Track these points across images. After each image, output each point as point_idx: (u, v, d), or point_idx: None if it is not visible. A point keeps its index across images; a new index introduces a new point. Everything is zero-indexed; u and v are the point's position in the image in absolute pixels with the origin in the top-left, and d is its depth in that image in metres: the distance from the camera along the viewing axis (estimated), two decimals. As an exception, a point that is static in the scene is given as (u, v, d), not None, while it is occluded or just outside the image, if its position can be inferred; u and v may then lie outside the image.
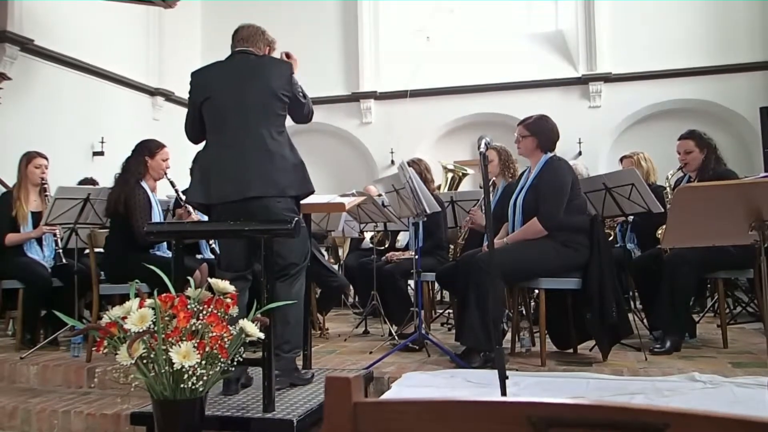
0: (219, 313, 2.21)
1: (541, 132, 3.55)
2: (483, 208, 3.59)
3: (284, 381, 2.91)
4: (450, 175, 6.30)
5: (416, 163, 4.83)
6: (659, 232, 4.11)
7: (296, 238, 2.83)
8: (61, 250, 4.39)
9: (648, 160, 4.95)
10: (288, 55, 3.16)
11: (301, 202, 3.12)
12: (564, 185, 3.45)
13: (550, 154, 3.56)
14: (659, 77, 8.81)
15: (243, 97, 2.91)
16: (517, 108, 7.86)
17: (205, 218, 4.32)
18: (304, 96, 3.06)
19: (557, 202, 3.41)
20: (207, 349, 2.11)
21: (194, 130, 3.08)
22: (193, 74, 3.10)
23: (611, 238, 4.88)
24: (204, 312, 2.18)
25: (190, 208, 4.07)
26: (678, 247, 3.51)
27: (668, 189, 4.29)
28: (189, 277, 2.40)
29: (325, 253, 6.10)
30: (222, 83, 2.98)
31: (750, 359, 3.45)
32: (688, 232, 2.26)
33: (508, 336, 3.80)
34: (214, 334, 2.14)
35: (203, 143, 3.08)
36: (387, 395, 2.89)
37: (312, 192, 3.02)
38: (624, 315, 3.48)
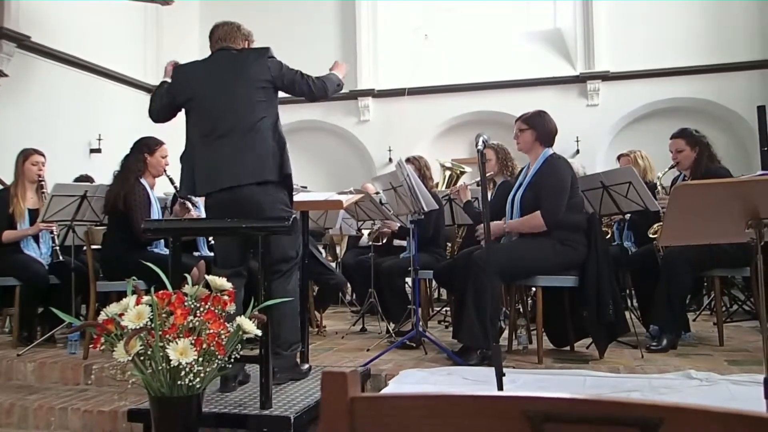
0: (216, 311, 2.21)
1: (539, 125, 3.56)
2: (481, 205, 3.59)
3: (284, 378, 2.92)
4: (448, 173, 6.30)
5: (417, 160, 4.83)
6: (651, 231, 4.12)
7: (296, 234, 2.84)
8: (58, 248, 4.39)
9: (645, 158, 4.95)
10: (336, 64, 3.31)
11: (298, 200, 3.12)
12: (564, 183, 3.45)
13: (549, 151, 3.56)
14: (657, 76, 8.82)
15: (225, 93, 2.95)
16: (515, 106, 7.82)
17: (204, 215, 4.33)
18: (302, 73, 3.05)
19: (558, 199, 3.41)
20: (204, 346, 2.11)
21: (161, 112, 3.13)
22: (176, 69, 3.14)
23: (608, 236, 4.88)
24: (201, 309, 2.18)
25: (189, 205, 4.07)
26: (674, 245, 3.51)
27: (659, 188, 4.29)
28: (186, 275, 2.40)
29: (322, 251, 6.10)
30: (205, 83, 3.01)
31: (746, 357, 3.45)
32: (685, 230, 2.26)
33: (506, 334, 3.81)
34: (211, 331, 2.14)
35: (184, 142, 3.08)
36: (384, 392, 2.89)
37: (287, 176, 2.97)
38: (621, 313, 3.49)
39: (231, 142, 2.90)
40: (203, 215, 4.28)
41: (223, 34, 3.13)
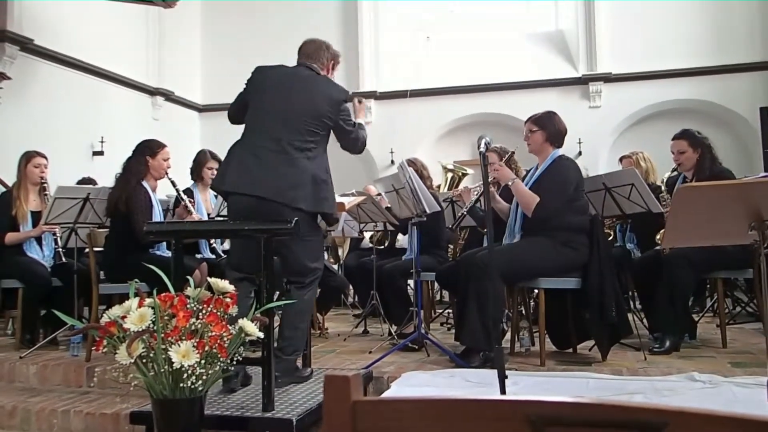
0: (218, 313, 2.21)
1: (549, 125, 3.56)
2: (483, 204, 3.59)
3: (285, 381, 2.92)
4: (450, 175, 6.31)
5: (413, 163, 4.82)
6: (658, 236, 4.10)
7: (316, 247, 2.85)
8: (61, 250, 4.39)
9: (647, 160, 4.94)
10: (360, 103, 3.43)
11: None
12: (566, 184, 3.45)
13: (559, 152, 3.56)
14: (659, 77, 8.81)
15: (285, 108, 2.97)
16: (518, 108, 7.86)
17: (205, 216, 4.34)
18: (354, 125, 3.12)
19: (554, 197, 3.41)
20: (206, 348, 2.11)
21: (235, 113, 3.19)
22: (257, 68, 3.16)
23: (611, 237, 4.87)
24: (203, 311, 2.18)
25: (190, 207, 4.07)
26: (677, 246, 3.50)
27: (664, 190, 4.27)
28: (188, 277, 2.40)
29: (324, 253, 6.10)
30: (273, 88, 3.05)
31: (749, 359, 3.45)
32: (688, 231, 2.26)
33: (508, 336, 3.80)
34: (214, 333, 2.14)
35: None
36: (386, 395, 2.89)
37: (325, 212, 3.00)
38: (623, 315, 3.48)
39: (273, 156, 2.91)
40: (204, 217, 4.30)
41: (310, 51, 3.18)
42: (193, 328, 2.14)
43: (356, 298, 6.03)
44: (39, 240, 4.40)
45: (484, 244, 3.97)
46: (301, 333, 3.03)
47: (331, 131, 3.09)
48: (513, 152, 4.07)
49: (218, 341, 2.14)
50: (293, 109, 2.96)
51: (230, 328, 2.20)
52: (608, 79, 9.05)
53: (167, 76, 9.11)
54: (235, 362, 2.26)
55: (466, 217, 4.48)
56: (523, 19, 9.89)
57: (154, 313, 2.11)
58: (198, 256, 4.28)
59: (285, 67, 3.16)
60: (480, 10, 9.84)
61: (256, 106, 3.05)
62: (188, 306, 2.18)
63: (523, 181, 3.69)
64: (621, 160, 5.29)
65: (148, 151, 4.02)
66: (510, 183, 3.54)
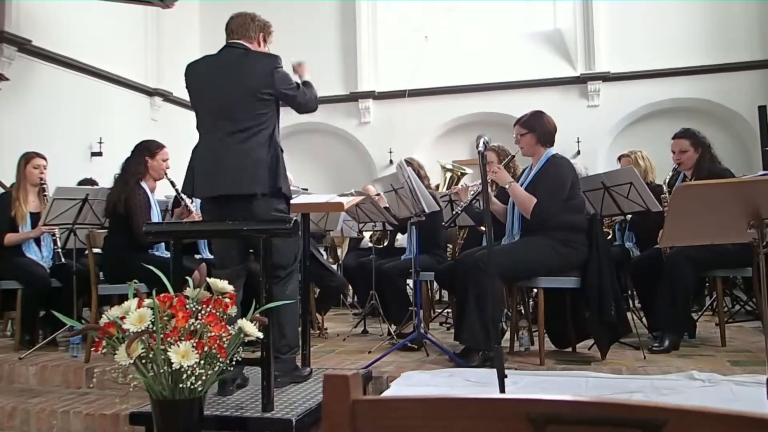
0: (217, 313, 2.21)
1: (538, 126, 3.56)
2: (482, 203, 3.59)
3: (285, 381, 2.92)
4: (449, 174, 6.30)
5: (410, 163, 4.82)
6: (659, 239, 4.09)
7: (284, 242, 2.84)
8: (60, 250, 4.39)
9: (646, 159, 4.94)
10: (299, 65, 3.23)
11: (299, 202, 3.11)
12: (563, 182, 3.45)
13: (552, 151, 3.56)
14: (658, 76, 8.82)
15: (222, 96, 2.92)
16: (516, 107, 7.82)
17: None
18: (299, 86, 3.02)
19: (552, 197, 3.41)
20: (206, 348, 2.11)
21: None
22: (187, 66, 3.12)
23: (610, 236, 4.87)
24: (202, 312, 2.18)
25: (191, 207, 4.07)
26: (677, 245, 3.51)
27: (665, 191, 4.26)
28: (188, 277, 2.40)
29: (323, 253, 6.10)
30: (205, 81, 3.00)
31: (748, 357, 3.45)
32: (687, 230, 2.26)
33: (507, 335, 3.81)
34: (213, 333, 2.14)
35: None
36: (386, 394, 2.89)
37: (280, 189, 2.90)
38: (623, 314, 3.48)
39: (226, 148, 2.89)
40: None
41: (236, 26, 3.06)
42: (192, 328, 2.14)
43: (355, 298, 6.03)
44: (38, 241, 4.40)
45: (483, 244, 3.97)
46: (292, 330, 3.01)
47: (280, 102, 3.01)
48: (513, 156, 4.06)
49: (217, 341, 2.13)
50: (229, 95, 2.90)
51: (229, 328, 2.20)
52: (606, 78, 9.06)
53: (166, 76, 9.09)
54: (234, 362, 2.26)
55: (464, 216, 4.47)
56: (521, 18, 9.90)
57: (153, 314, 2.11)
58: (197, 256, 4.28)
59: (210, 56, 3.07)
60: (478, 9, 9.84)
61: (196, 106, 3.04)
62: (187, 306, 2.18)
63: (517, 180, 3.69)
64: (619, 159, 5.28)
65: (147, 151, 4.02)
66: (507, 186, 3.54)
